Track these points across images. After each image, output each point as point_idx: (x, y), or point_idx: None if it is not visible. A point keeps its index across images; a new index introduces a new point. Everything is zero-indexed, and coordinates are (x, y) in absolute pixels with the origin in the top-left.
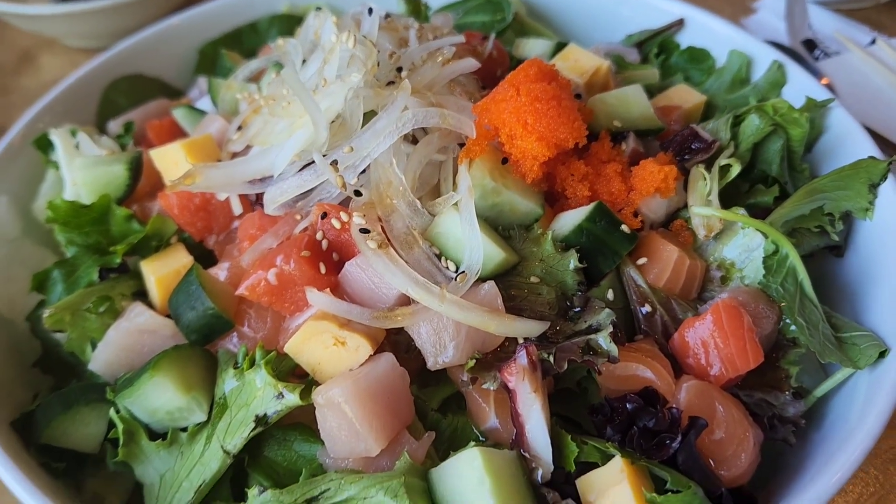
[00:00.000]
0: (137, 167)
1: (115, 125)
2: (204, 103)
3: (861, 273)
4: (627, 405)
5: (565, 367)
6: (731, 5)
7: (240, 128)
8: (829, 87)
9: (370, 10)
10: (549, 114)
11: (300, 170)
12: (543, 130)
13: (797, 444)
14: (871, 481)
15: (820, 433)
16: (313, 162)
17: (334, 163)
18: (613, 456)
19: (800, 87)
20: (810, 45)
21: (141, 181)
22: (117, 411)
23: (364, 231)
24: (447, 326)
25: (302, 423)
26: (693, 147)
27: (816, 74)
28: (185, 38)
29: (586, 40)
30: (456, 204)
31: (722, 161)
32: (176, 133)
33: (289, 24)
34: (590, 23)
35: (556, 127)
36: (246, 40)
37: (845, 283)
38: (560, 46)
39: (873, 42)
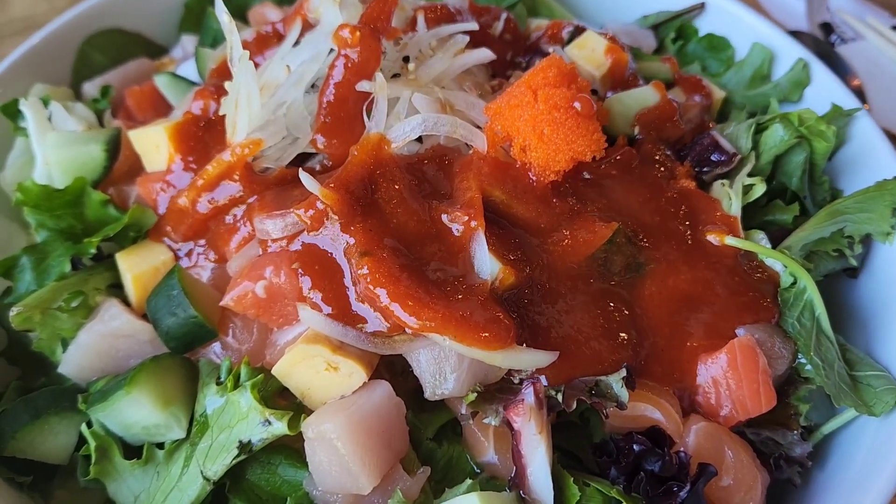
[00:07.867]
0: (115, 148)
1: (91, 87)
2: (188, 67)
3: (876, 297)
4: (634, 446)
5: (574, 406)
6: None
7: None
8: (859, 89)
9: None
10: (568, 123)
11: None
12: (560, 142)
13: (800, 482)
14: None
15: (824, 473)
16: None
17: None
18: (616, 501)
19: (824, 89)
20: (827, 28)
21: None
22: (89, 425)
23: None
24: (449, 357)
25: (288, 445)
26: (713, 159)
27: (845, 69)
28: None
29: (599, 18)
30: None
31: (745, 180)
32: (157, 101)
33: None
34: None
35: (575, 139)
36: None
37: (858, 306)
38: (575, 30)
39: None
